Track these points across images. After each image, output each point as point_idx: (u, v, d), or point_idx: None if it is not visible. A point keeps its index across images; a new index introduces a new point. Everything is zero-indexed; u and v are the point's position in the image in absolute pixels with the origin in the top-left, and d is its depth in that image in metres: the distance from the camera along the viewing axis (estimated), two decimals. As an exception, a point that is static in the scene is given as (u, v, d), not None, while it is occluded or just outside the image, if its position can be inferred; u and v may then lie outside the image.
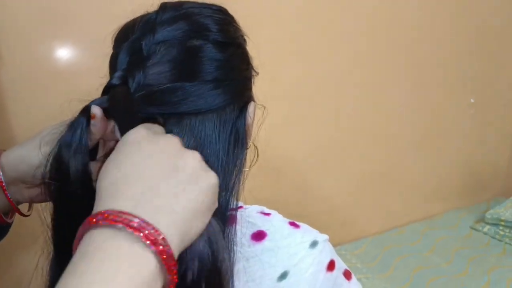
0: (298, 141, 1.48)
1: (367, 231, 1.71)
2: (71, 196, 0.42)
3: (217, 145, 0.46)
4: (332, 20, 1.42)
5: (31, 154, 0.46)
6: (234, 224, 0.47)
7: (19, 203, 0.51)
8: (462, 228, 1.75)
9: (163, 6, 0.48)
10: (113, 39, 0.50)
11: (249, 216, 0.49)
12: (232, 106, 0.48)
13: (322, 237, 0.49)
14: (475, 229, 1.73)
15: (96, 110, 0.42)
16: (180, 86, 0.45)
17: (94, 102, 0.43)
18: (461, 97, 1.80)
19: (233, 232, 0.47)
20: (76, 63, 1.06)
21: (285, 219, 0.51)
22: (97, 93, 0.46)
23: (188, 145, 0.45)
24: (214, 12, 0.49)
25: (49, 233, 0.45)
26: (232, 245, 0.45)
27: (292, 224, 0.49)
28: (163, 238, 0.28)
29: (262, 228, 0.48)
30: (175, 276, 0.29)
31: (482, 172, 1.97)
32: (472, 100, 1.82)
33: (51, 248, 0.45)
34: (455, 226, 1.76)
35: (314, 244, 0.47)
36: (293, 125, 1.43)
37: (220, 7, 0.51)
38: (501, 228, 1.66)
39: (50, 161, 0.42)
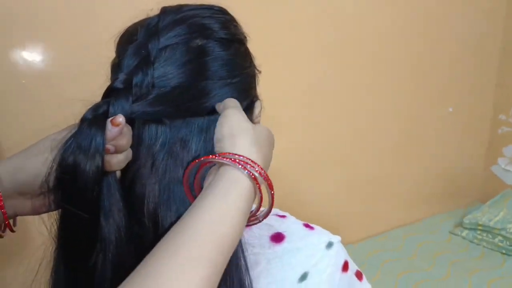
0: (282, 148, 1.48)
1: (351, 238, 1.73)
2: (81, 203, 0.40)
3: None
4: (318, 32, 1.44)
5: (29, 162, 0.43)
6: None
7: (17, 216, 0.47)
8: (441, 233, 1.79)
9: (164, 10, 0.48)
10: (116, 43, 0.49)
11: None
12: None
13: (336, 238, 0.49)
14: (454, 234, 1.78)
15: (121, 120, 0.41)
16: (187, 86, 0.45)
17: (115, 107, 0.42)
18: (440, 106, 1.87)
19: (245, 236, 0.47)
20: (67, 66, 1.03)
21: (298, 221, 0.51)
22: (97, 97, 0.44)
23: (197, 145, 0.45)
24: (214, 13, 0.50)
25: (54, 240, 0.43)
26: (243, 248, 0.45)
27: (307, 226, 0.50)
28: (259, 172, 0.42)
29: (280, 230, 0.48)
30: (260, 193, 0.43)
31: (460, 178, 2.04)
32: (450, 109, 1.89)
33: (51, 254, 0.43)
34: (435, 231, 1.81)
35: (329, 245, 0.47)
36: (277, 134, 1.44)
37: (220, 7, 0.51)
38: (478, 232, 1.71)
39: (56, 167, 0.39)
